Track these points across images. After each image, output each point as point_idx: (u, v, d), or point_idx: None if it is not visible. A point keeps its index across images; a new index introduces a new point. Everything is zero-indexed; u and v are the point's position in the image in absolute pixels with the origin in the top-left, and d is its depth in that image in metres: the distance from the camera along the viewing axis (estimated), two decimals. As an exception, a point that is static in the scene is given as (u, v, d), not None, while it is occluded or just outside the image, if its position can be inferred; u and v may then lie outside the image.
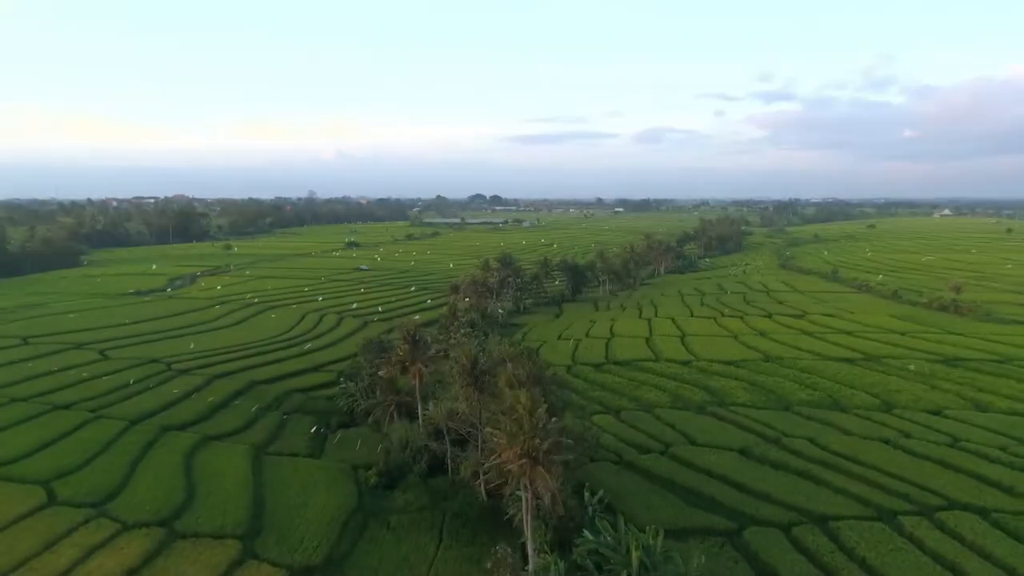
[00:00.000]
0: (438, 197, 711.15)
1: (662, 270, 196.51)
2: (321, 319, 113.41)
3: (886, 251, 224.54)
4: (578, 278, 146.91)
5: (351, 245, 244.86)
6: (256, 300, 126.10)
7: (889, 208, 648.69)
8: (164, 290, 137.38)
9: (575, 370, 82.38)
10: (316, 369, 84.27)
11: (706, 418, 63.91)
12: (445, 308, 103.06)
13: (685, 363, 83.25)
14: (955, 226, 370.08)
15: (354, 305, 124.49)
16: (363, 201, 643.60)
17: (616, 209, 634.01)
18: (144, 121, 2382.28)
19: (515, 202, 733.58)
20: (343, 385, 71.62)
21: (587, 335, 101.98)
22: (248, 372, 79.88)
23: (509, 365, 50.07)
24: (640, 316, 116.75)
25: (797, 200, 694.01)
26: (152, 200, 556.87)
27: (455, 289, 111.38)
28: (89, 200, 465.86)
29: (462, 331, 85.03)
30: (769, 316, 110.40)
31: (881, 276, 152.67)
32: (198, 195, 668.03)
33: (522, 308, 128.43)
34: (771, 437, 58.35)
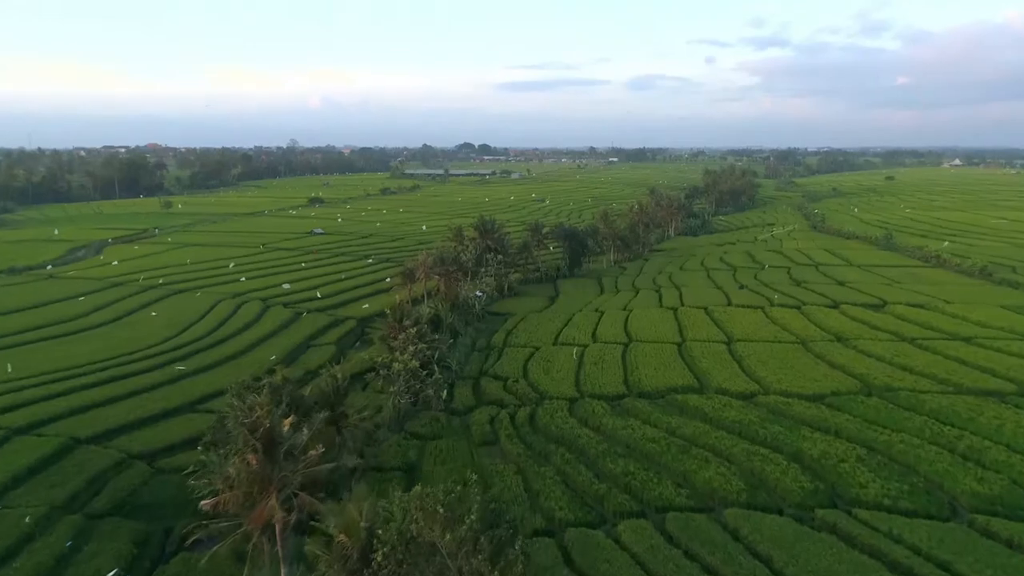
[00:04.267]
0: (424, 146, 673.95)
1: (672, 232, 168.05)
2: (237, 309, 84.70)
3: (922, 207, 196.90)
4: (577, 247, 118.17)
5: (314, 202, 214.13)
6: (161, 281, 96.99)
7: (893, 158, 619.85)
8: (45, 267, 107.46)
9: (582, 410, 54.46)
10: (193, 406, 56.03)
11: (824, 540, 36.19)
12: (400, 303, 74.58)
13: (747, 397, 55.53)
14: (977, 178, 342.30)
15: (286, 286, 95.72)
16: (346, 151, 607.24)
17: (611, 159, 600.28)
18: (121, 68, 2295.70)
19: (505, 151, 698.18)
20: (204, 457, 43.42)
21: (594, 337, 73.91)
22: (76, 419, 51.60)
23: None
24: (661, 303, 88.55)
25: (795, 149, 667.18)
26: (123, 150, 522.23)
27: (409, 276, 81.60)
28: (39, 149, 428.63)
29: (413, 347, 56.55)
30: (836, 306, 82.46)
31: (946, 243, 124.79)
32: (173, 144, 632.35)
33: (507, 289, 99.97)
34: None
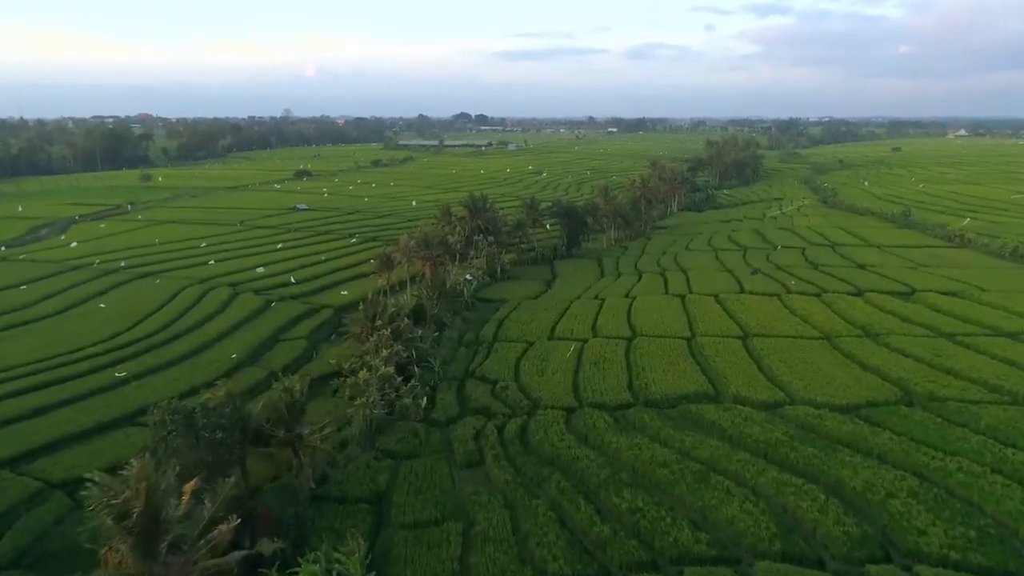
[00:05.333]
0: (420, 116, 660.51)
1: (675, 207, 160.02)
2: (202, 297, 77.11)
3: (934, 180, 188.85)
4: (575, 225, 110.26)
5: (301, 175, 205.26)
6: (123, 264, 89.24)
7: (897, 128, 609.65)
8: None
9: (581, 423, 47.23)
10: (133, 418, 48.61)
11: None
12: (377, 296, 67.13)
13: (770, 408, 48.33)
14: (986, 149, 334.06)
15: (260, 270, 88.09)
16: (340, 121, 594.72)
17: (610, 129, 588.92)
18: (112, 36, 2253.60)
19: (502, 121, 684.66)
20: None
21: (594, 330, 66.58)
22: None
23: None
24: (666, 289, 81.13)
25: (797, 119, 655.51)
26: (111, 119, 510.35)
27: (386, 263, 73.37)
28: (22, 119, 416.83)
29: (387, 350, 49.07)
30: (859, 294, 75.12)
31: (968, 220, 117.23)
32: (164, 114, 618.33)
33: (500, 272, 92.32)
34: None
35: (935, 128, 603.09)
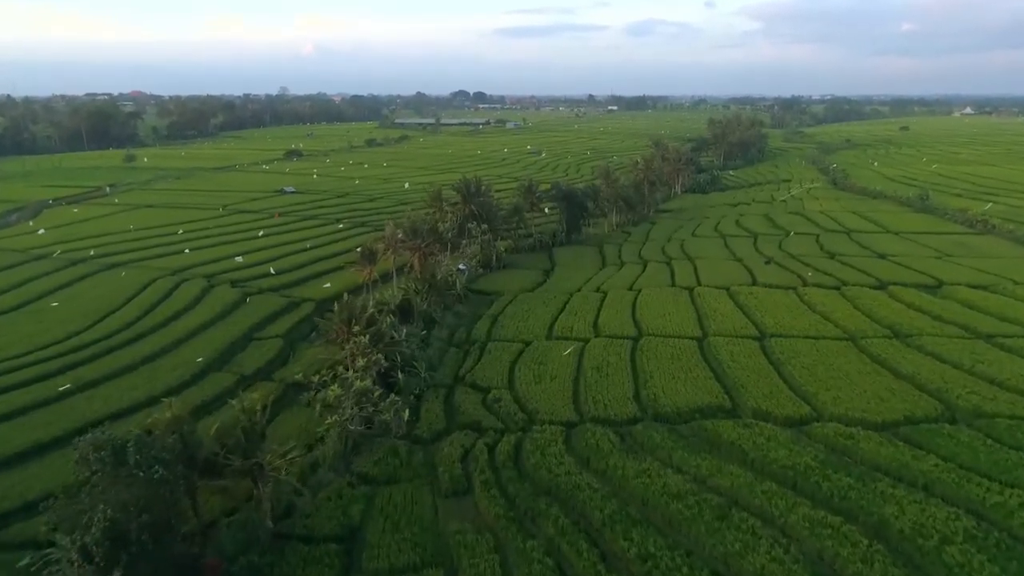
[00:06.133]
0: (418, 94, 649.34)
1: (679, 189, 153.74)
2: (173, 290, 71.44)
3: (946, 160, 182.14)
4: (575, 210, 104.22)
5: (292, 155, 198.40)
6: (92, 253, 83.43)
7: (901, 106, 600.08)
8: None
9: (583, 442, 41.79)
10: (76, 437, 43.19)
11: None
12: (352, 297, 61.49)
13: (795, 425, 42.91)
14: (994, 127, 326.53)
15: (238, 259, 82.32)
16: (337, 99, 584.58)
17: (610, 107, 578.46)
18: (108, 13, 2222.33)
19: (501, 99, 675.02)
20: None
21: (596, 328, 61.03)
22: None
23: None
24: (673, 281, 75.43)
25: (799, 98, 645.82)
26: (104, 97, 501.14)
27: (368, 258, 66.78)
28: (8, 96, 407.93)
29: (364, 359, 43.47)
30: (883, 287, 69.50)
31: (989, 204, 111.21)
32: (158, 92, 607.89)
33: (495, 261, 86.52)
34: None
35: (940, 106, 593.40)
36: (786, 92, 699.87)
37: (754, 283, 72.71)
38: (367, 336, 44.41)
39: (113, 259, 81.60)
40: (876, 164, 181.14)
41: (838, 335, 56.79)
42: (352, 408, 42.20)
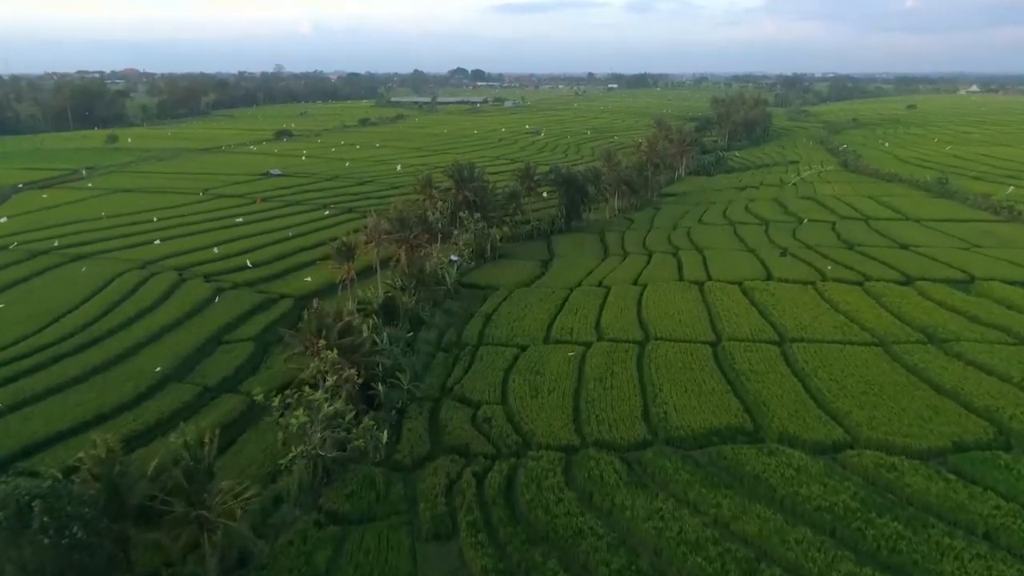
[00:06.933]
0: (415, 72, 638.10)
1: (683, 171, 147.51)
2: (140, 286, 65.74)
3: (959, 141, 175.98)
4: (575, 195, 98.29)
5: (281, 135, 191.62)
6: (56, 244, 77.60)
7: (906, 84, 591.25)
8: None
9: (585, 473, 36.38)
10: (7, 466, 37.80)
11: None
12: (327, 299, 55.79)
13: (828, 451, 37.55)
14: (1003, 106, 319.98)
15: (215, 250, 76.57)
16: (333, 77, 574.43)
17: (610, 85, 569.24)
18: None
19: (499, 77, 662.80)
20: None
21: (598, 331, 55.56)
22: None
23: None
24: (681, 275, 69.82)
25: (802, 75, 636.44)
26: (96, 75, 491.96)
27: (346, 254, 60.48)
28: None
29: (334, 377, 37.98)
30: (909, 282, 63.93)
31: (1011, 188, 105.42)
32: (152, 70, 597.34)
33: (490, 251, 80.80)
34: None
35: (945, 84, 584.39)
36: (788, 70, 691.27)
37: (769, 277, 67.14)
38: (335, 351, 38.72)
39: (79, 250, 75.78)
40: (887, 144, 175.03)
41: (866, 340, 51.34)
42: (321, 432, 36.80)
